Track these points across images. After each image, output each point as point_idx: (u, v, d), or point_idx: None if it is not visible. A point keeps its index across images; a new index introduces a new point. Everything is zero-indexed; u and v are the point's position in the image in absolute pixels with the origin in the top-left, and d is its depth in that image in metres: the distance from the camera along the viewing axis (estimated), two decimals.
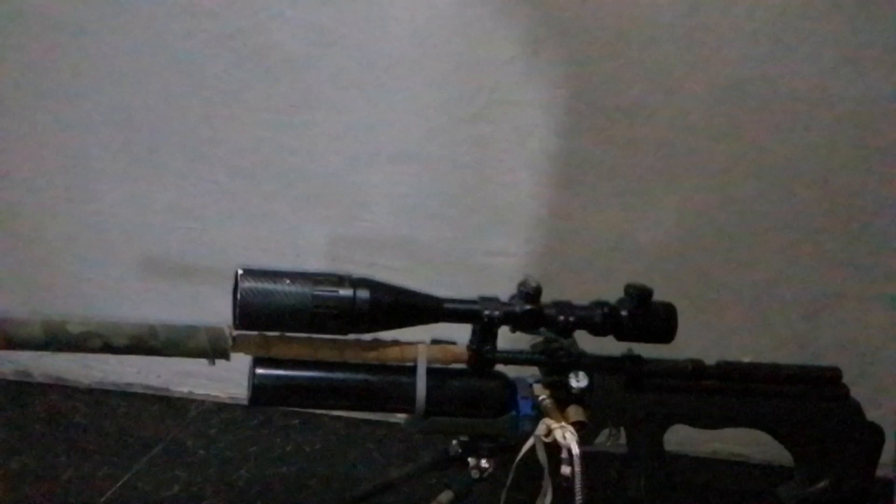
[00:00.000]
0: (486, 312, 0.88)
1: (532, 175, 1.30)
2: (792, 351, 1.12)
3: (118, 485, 1.22)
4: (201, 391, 1.49)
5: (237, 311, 0.82)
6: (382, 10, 1.25)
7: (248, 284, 0.82)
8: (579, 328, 0.91)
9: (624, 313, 0.91)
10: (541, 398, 0.90)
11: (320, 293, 0.83)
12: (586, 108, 1.25)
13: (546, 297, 0.90)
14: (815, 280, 1.30)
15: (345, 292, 0.84)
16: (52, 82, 1.36)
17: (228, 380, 1.41)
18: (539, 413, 0.89)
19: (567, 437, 0.85)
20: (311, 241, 1.37)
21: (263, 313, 0.82)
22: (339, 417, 1.42)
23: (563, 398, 0.90)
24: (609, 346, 0.93)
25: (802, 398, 0.98)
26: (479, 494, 0.94)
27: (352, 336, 0.87)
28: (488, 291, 0.91)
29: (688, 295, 1.00)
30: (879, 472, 1.00)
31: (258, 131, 1.34)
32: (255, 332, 0.86)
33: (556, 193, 1.30)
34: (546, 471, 0.88)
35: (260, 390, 0.86)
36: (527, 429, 0.89)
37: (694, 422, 0.97)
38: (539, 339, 0.93)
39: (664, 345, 0.93)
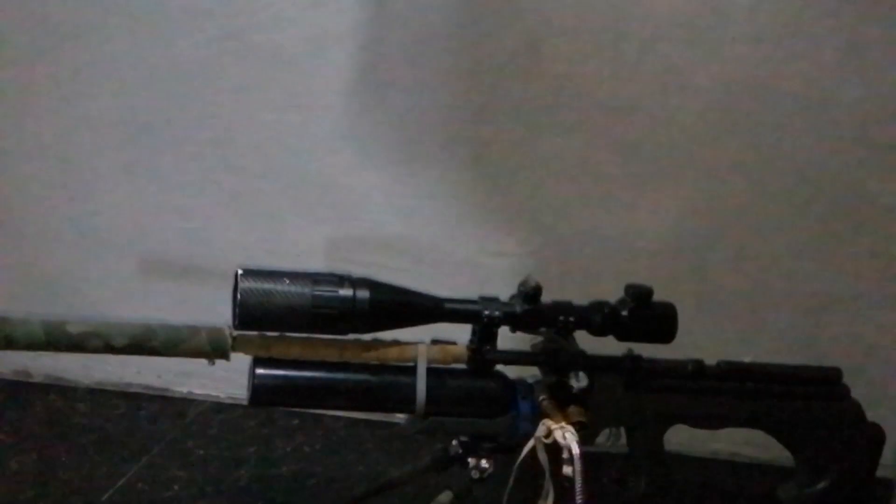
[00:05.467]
0: (486, 312, 0.88)
1: (532, 175, 1.30)
2: (792, 351, 1.12)
3: (118, 485, 1.22)
4: (201, 391, 1.49)
5: (237, 311, 0.82)
6: (382, 9, 1.25)
7: (247, 284, 0.82)
8: (579, 328, 0.91)
9: (624, 313, 0.91)
10: (541, 398, 0.90)
11: (320, 293, 0.83)
12: (586, 108, 1.25)
13: (546, 297, 0.90)
14: (816, 280, 1.29)
15: (345, 292, 0.84)
16: (53, 82, 1.36)
17: (228, 380, 1.41)
18: (539, 413, 0.89)
19: (567, 437, 0.85)
20: (311, 241, 1.37)
21: (263, 313, 0.82)
22: (339, 417, 1.42)
23: (564, 398, 0.90)
24: (609, 346, 0.93)
25: (803, 398, 0.98)
26: (480, 495, 0.94)
27: (352, 336, 0.87)
28: (488, 291, 0.91)
29: (688, 295, 1.00)
30: (880, 473, 1.00)
31: (258, 131, 1.34)
32: (254, 333, 0.86)
33: (557, 193, 1.30)
34: (547, 471, 0.88)
35: (260, 390, 0.86)
36: (527, 429, 0.89)
37: (694, 422, 0.97)
38: (539, 339, 0.93)
39: (664, 345, 0.93)
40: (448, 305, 0.89)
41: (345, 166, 1.34)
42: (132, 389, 1.50)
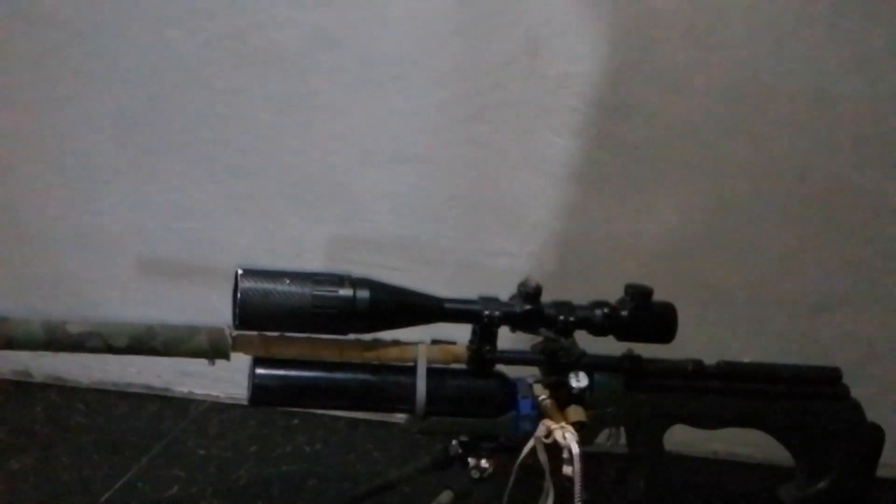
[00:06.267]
0: (486, 312, 0.88)
1: (532, 175, 1.30)
2: (792, 351, 1.12)
3: (118, 485, 1.22)
4: (201, 391, 1.49)
5: (237, 311, 0.82)
6: (382, 10, 1.25)
7: (247, 284, 0.82)
8: (579, 328, 0.91)
9: (624, 313, 0.91)
10: (541, 398, 0.90)
11: (320, 293, 0.83)
12: (586, 108, 1.25)
13: (546, 297, 0.90)
14: (816, 280, 1.29)
15: (345, 292, 0.84)
16: (53, 82, 1.36)
17: (228, 380, 1.41)
18: (539, 413, 0.89)
19: (567, 437, 0.85)
20: (311, 241, 1.37)
21: (263, 313, 0.82)
22: (339, 417, 1.42)
23: (563, 398, 0.90)
24: (609, 346, 0.93)
25: (803, 398, 0.98)
26: (480, 495, 0.94)
27: (352, 336, 0.87)
28: (488, 291, 0.91)
29: (688, 295, 1.00)
30: (879, 473, 1.00)
31: (258, 131, 1.34)
32: (254, 333, 0.86)
33: (557, 193, 1.30)
34: (547, 471, 0.88)
35: (260, 390, 0.86)
36: (527, 429, 0.89)
37: (694, 422, 0.97)
38: (539, 339, 0.93)
39: (664, 345, 0.93)
40: (448, 305, 0.89)
41: (345, 166, 1.33)
42: (132, 389, 1.50)
